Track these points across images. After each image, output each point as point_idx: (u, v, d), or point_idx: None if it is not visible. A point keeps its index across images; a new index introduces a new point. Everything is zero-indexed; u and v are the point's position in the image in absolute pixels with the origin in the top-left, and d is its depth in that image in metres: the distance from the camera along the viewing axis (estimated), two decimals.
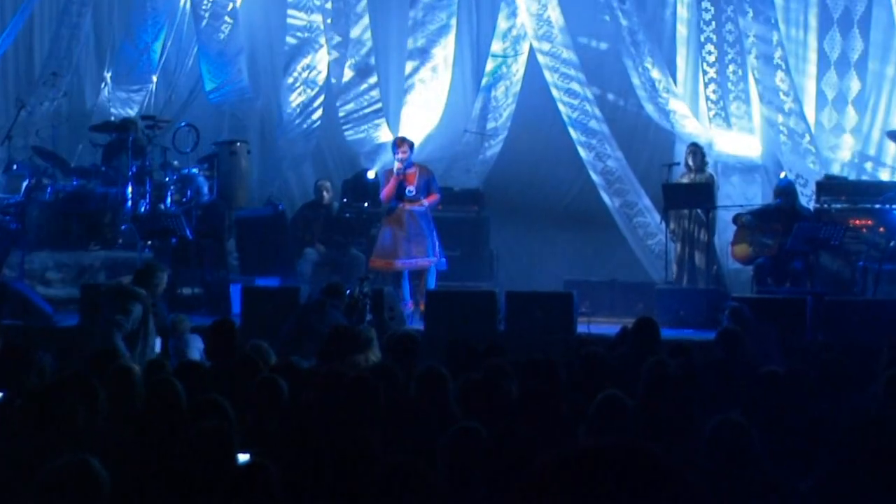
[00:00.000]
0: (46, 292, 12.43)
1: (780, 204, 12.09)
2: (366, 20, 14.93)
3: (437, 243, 11.99)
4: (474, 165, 14.54)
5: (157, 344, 9.10)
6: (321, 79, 15.22)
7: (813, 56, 13.74)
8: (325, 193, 13.49)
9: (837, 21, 13.69)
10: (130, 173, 13.57)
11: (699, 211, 12.52)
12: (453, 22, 14.76)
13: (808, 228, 11.65)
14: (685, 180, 12.76)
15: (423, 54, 14.73)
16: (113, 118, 14.90)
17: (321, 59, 15.19)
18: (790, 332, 9.87)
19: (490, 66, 14.59)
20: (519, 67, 14.51)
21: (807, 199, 12.77)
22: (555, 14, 13.96)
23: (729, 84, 13.66)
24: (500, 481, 4.69)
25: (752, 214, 12.22)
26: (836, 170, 13.44)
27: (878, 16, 13.64)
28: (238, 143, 14.34)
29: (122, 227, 13.58)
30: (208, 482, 4.67)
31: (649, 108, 13.74)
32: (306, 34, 15.18)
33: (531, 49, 14.26)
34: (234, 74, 15.41)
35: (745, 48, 13.51)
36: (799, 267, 11.75)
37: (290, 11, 15.22)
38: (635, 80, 13.70)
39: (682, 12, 14.06)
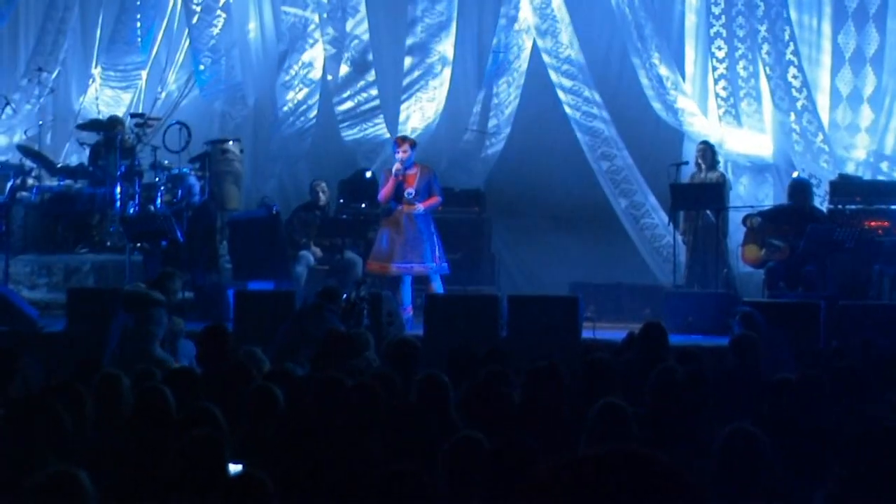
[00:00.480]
0: (32, 297, 12.44)
1: (793, 205, 12.09)
2: (362, 14, 14.92)
3: (437, 248, 11.93)
4: (475, 165, 14.55)
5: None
6: (316, 75, 15.22)
7: (827, 51, 13.72)
8: (321, 194, 13.49)
9: (852, 14, 13.68)
10: (119, 173, 13.58)
11: (709, 212, 12.52)
12: (454, 16, 14.75)
13: (821, 230, 11.64)
14: (696, 180, 12.77)
15: (422, 49, 14.73)
16: (101, 116, 14.91)
17: (316, 55, 15.19)
18: (803, 337, 9.87)
19: (492, 61, 14.59)
20: (522, 63, 14.50)
21: (820, 199, 12.76)
22: (559, 8, 13.96)
23: (739, 80, 13.65)
24: (501, 491, 4.69)
25: (763, 216, 12.21)
26: (850, 169, 13.43)
27: (895, 8, 13.63)
28: (231, 142, 14.33)
29: (111, 229, 13.59)
30: (199, 493, 4.66)
31: (657, 107, 13.74)
32: (301, 29, 15.18)
33: (535, 44, 14.26)
34: (226, 70, 15.41)
35: (757, 43, 13.50)
36: (812, 270, 11.75)
37: (283, 8, 15.23)
38: (643, 79, 13.70)
39: (692, 1, 14.05)
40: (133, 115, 14.62)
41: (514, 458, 4.75)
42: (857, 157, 13.67)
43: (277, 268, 12.74)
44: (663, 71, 13.60)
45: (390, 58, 15.34)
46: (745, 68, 13.64)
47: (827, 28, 13.72)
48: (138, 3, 15.64)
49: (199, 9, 15.25)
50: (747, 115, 13.63)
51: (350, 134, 14.97)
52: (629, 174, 13.64)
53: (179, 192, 13.60)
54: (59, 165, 14.32)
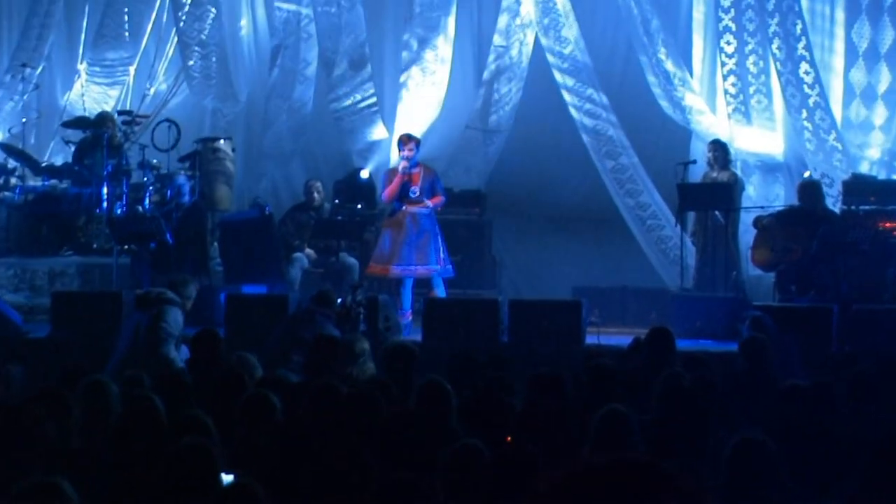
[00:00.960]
0: (15, 301, 12.44)
1: (804, 206, 12.09)
2: (358, 8, 14.92)
3: (442, 249, 11.88)
4: (476, 164, 14.54)
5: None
6: (311, 71, 15.23)
7: (840, 47, 13.72)
8: (315, 194, 13.49)
9: (866, 9, 13.68)
10: (106, 172, 13.57)
11: (718, 213, 12.53)
12: (453, 9, 14.76)
13: (833, 232, 11.65)
14: (707, 179, 12.77)
15: (421, 44, 14.73)
16: (87, 113, 14.92)
17: (311, 51, 15.20)
18: (815, 342, 9.88)
19: (492, 57, 14.59)
20: (524, 59, 14.50)
21: (833, 200, 12.76)
22: (561, 2, 13.96)
23: (749, 76, 13.64)
24: (502, 500, 4.71)
25: (774, 217, 12.22)
26: (864, 168, 13.42)
27: None
28: (222, 141, 14.33)
29: (97, 231, 13.59)
30: None
31: (664, 104, 13.73)
32: (294, 24, 15.19)
33: (537, 39, 14.26)
34: (217, 66, 15.41)
35: (767, 37, 13.50)
36: (824, 273, 11.75)
37: (277, 3, 15.23)
38: (650, 76, 13.69)
39: None
40: (121, 113, 14.63)
41: (514, 466, 4.77)
42: (871, 155, 13.66)
43: (270, 271, 12.74)
44: (670, 67, 13.59)
45: (387, 52, 15.35)
46: (755, 64, 13.63)
47: (840, 17, 13.70)
48: None
49: (188, 2, 15.24)
50: (757, 112, 13.62)
51: (346, 132, 14.97)
52: (634, 173, 13.64)
53: (168, 192, 13.60)
54: (43, 164, 14.32)
